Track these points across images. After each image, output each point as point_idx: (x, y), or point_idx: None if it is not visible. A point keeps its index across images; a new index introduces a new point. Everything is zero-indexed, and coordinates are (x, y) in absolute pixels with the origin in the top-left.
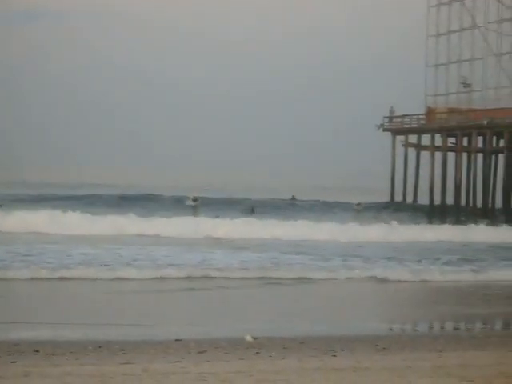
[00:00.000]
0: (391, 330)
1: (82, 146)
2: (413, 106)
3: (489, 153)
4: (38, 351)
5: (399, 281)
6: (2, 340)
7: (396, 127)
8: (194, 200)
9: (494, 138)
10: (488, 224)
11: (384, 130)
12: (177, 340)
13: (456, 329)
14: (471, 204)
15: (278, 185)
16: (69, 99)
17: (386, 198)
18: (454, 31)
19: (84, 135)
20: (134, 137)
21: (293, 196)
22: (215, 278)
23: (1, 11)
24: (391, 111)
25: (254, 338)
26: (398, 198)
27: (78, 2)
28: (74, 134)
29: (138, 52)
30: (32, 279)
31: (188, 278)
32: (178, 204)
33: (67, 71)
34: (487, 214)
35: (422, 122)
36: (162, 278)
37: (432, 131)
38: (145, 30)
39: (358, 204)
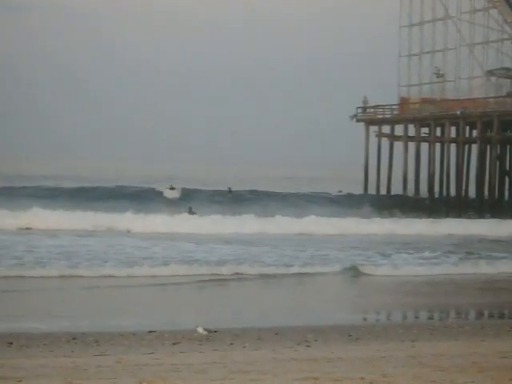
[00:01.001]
0: (365, 320)
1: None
2: (386, 97)
3: (462, 143)
4: (11, 343)
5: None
6: None
7: (369, 117)
8: (171, 189)
9: (467, 128)
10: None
11: (357, 120)
12: (150, 332)
13: (429, 318)
14: (444, 194)
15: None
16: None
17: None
18: (427, 21)
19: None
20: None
21: (229, 188)
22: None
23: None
24: (364, 101)
25: (208, 331)
26: (372, 188)
27: None
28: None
29: (135, 39)
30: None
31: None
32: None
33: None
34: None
35: (396, 112)
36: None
37: (405, 121)
38: (143, 18)
39: (339, 192)
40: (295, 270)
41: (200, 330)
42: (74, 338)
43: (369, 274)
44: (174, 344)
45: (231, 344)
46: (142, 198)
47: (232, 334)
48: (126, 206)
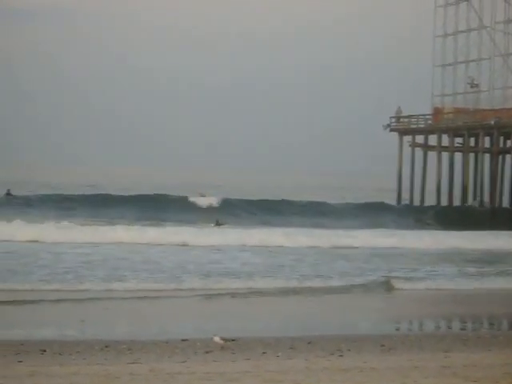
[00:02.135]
0: (397, 330)
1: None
2: (420, 107)
3: (496, 153)
4: (44, 351)
5: None
6: (9, 339)
7: (403, 127)
8: (202, 196)
9: (501, 138)
10: None
11: (391, 130)
12: (183, 340)
13: (462, 329)
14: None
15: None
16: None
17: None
18: (461, 31)
19: (78, 134)
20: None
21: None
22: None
23: (1, 9)
24: (398, 111)
25: (225, 340)
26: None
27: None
28: (69, 133)
29: (138, 48)
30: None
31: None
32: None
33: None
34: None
35: (429, 122)
36: None
37: (439, 131)
38: (145, 28)
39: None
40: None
41: (216, 339)
42: (106, 346)
43: None
44: (206, 353)
45: (264, 353)
46: (174, 206)
47: (264, 343)
48: (160, 216)
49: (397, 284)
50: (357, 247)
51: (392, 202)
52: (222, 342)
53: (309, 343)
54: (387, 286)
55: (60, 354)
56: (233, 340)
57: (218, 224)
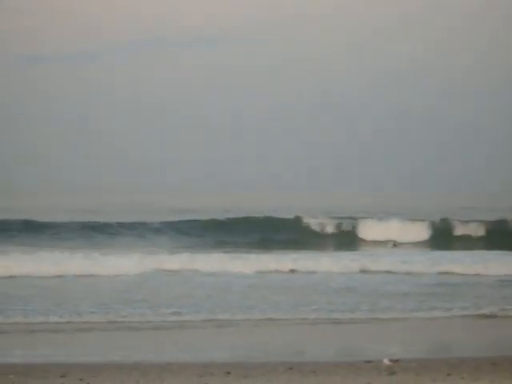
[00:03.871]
0: None
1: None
2: None
3: None
4: (229, 373)
5: None
6: (192, 362)
7: None
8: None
9: None
10: None
11: None
12: (367, 362)
13: None
14: None
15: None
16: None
17: None
18: None
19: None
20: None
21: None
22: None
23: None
24: None
25: (393, 361)
26: None
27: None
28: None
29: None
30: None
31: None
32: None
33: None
34: None
35: None
36: None
37: None
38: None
39: None
40: None
41: (385, 361)
42: (290, 368)
43: None
44: (390, 374)
45: (449, 375)
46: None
47: (449, 363)
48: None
49: None
50: None
51: None
52: (389, 363)
53: (493, 364)
54: None
55: (245, 376)
56: (396, 361)
57: (394, 245)
